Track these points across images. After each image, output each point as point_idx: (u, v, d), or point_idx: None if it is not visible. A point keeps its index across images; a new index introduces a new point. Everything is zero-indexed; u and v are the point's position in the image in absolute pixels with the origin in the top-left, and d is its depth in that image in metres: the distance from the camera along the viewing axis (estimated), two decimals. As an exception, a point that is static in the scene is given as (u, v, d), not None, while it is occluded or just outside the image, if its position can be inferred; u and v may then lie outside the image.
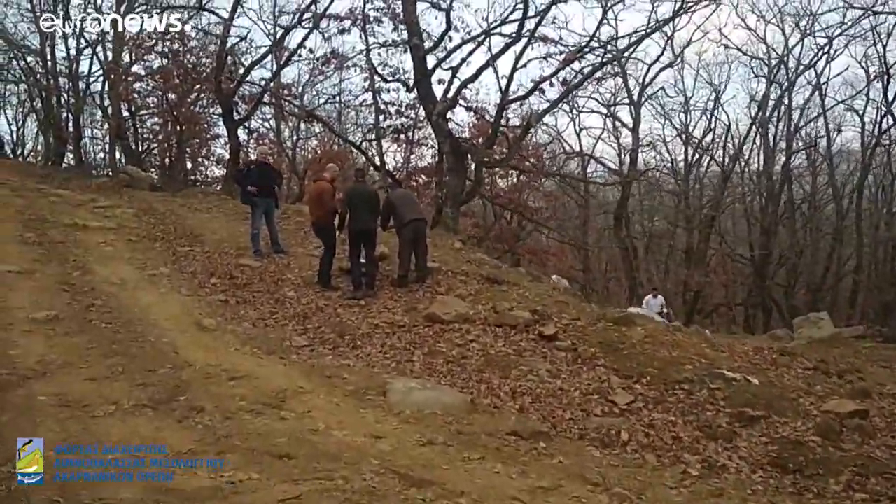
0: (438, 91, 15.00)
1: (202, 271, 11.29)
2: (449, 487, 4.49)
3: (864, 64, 27.87)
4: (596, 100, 27.18)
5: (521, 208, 19.47)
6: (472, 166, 15.09)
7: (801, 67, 26.52)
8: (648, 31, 16.60)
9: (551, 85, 15.58)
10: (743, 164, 29.09)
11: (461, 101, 15.70)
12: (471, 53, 16.13)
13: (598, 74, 17.49)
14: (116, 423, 5.15)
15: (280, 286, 10.67)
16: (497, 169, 18.35)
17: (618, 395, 6.77)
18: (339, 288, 10.44)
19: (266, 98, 19.01)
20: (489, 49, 16.42)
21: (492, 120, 16.64)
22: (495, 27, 16.44)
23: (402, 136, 19.14)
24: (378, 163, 19.22)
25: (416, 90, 14.98)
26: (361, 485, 4.36)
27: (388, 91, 19.35)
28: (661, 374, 7.23)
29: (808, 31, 26.26)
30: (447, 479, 4.65)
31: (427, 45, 15.14)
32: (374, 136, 19.64)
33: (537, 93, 15.38)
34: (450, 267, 11.24)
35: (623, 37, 17.22)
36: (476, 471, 4.89)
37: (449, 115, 15.58)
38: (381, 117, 18.61)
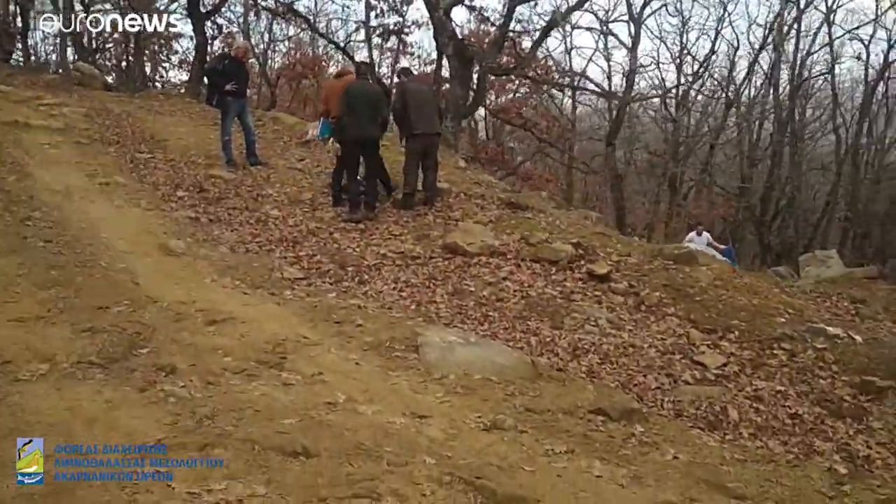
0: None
1: (166, 182, 9.51)
2: (548, 508, 3.03)
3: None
4: (593, 13, 24.92)
5: (530, 125, 17.43)
6: (476, 75, 13.22)
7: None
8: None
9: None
10: (750, 88, 27.33)
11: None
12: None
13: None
14: (47, 394, 3.53)
15: (260, 203, 8.97)
16: (503, 78, 16.31)
17: (705, 356, 5.35)
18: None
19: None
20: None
21: (494, 25, 14.71)
22: None
23: (395, 39, 17.01)
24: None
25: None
26: (423, 506, 2.87)
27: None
28: (749, 329, 5.82)
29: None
30: (539, 492, 3.18)
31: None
32: (362, 38, 17.43)
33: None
34: (460, 189, 9.60)
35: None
36: (570, 473, 3.42)
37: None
38: (372, 14, 16.44)
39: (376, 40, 17.02)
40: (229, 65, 10.17)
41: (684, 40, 29.20)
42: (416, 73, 9.75)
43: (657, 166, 26.90)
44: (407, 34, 16.67)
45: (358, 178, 8.69)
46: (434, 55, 17.20)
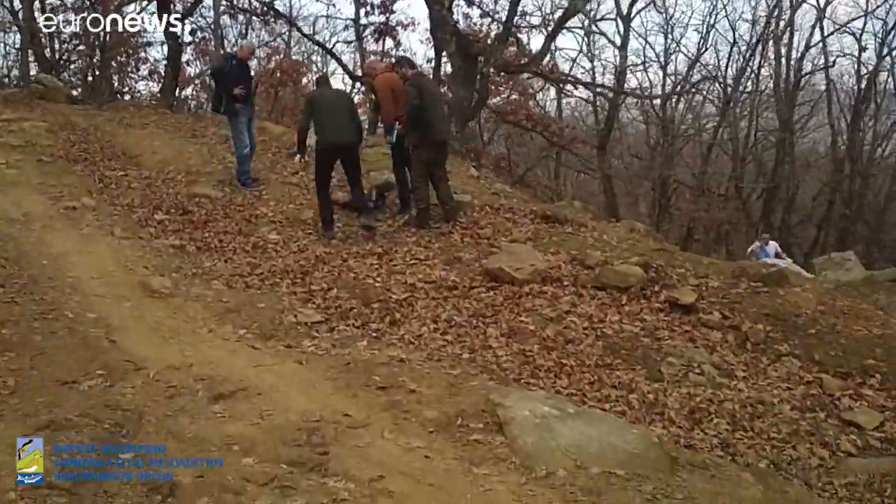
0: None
1: (142, 203, 8.20)
2: None
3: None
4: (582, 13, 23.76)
5: (542, 127, 16.01)
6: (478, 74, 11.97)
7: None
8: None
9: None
10: (747, 84, 26.30)
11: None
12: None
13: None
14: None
15: (255, 225, 7.71)
16: (501, 78, 14.96)
17: (856, 413, 4.19)
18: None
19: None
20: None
21: (494, 20, 13.49)
22: None
23: (388, 38, 15.66)
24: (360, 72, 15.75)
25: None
26: None
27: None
28: (891, 370, 4.65)
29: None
30: None
31: None
32: (352, 38, 16.02)
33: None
34: (482, 200, 8.40)
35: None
36: None
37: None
38: (363, 12, 15.08)
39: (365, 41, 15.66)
40: (236, 66, 8.90)
41: (669, 39, 28.27)
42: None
43: (652, 168, 25.87)
44: (398, 32, 15.37)
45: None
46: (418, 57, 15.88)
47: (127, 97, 21.67)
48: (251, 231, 7.47)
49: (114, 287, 5.46)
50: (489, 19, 13.91)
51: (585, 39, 27.43)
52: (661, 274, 5.84)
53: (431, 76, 13.93)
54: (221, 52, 13.45)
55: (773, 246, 11.89)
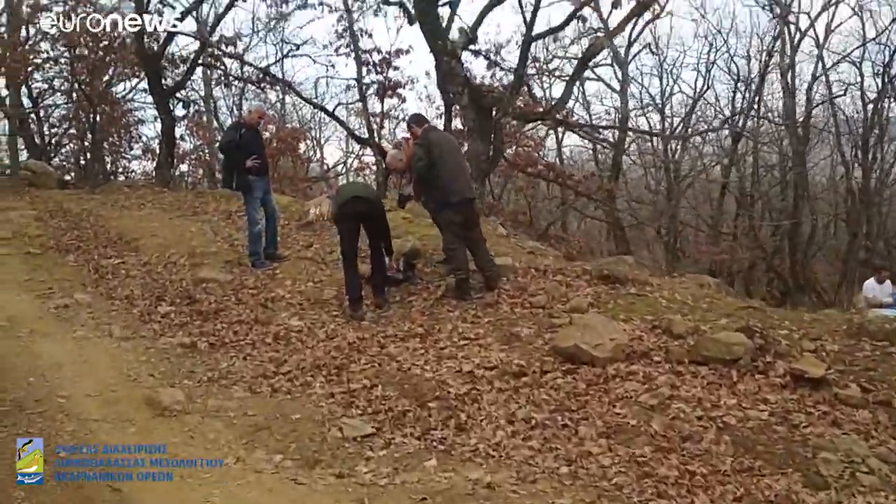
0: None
1: (143, 294, 7.29)
2: None
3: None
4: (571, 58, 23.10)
5: (563, 178, 15.12)
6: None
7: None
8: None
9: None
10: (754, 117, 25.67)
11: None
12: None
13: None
14: None
15: (273, 310, 6.75)
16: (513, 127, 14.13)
17: None
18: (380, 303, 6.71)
19: (202, 58, 14.56)
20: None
21: (502, 69, 12.77)
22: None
23: (394, 94, 14.90)
24: (364, 134, 14.96)
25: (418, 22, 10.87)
26: None
27: (370, 35, 15.04)
28: None
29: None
30: None
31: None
32: (356, 99, 15.19)
33: (576, 21, 11.40)
34: (523, 262, 7.48)
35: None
36: None
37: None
38: (364, 70, 14.36)
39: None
40: (246, 135, 7.94)
41: (665, 81, 27.80)
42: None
43: (662, 212, 25.01)
44: (403, 88, 14.64)
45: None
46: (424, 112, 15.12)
47: (121, 178, 20.92)
48: (269, 318, 6.51)
49: (115, 406, 4.49)
50: (497, 69, 13.19)
51: (580, 87, 26.99)
52: (769, 340, 4.87)
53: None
54: (215, 124, 12.71)
55: (888, 286, 10.25)
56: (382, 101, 16.27)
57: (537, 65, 14.98)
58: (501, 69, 13.12)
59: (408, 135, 7.41)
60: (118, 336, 6.03)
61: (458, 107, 11.34)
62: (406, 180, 7.67)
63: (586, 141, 26.29)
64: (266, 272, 7.85)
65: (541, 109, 12.91)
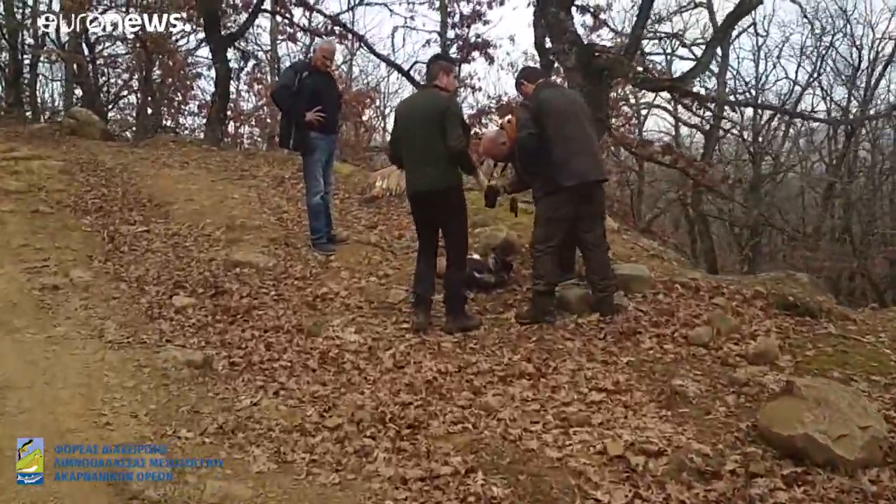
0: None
1: (160, 277, 5.66)
2: None
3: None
4: (676, 36, 20.65)
5: (684, 163, 12.71)
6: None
7: None
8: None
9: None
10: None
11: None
12: None
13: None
14: None
15: (322, 314, 5.03)
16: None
17: None
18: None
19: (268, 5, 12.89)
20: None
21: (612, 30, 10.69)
22: None
23: (483, 53, 12.90)
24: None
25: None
26: None
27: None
28: None
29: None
30: None
31: None
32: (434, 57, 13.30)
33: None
34: (659, 273, 5.55)
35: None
36: None
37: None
38: (450, 22, 12.41)
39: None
40: (309, 80, 6.12)
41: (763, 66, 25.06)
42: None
43: (752, 209, 22.42)
44: (492, 46, 12.63)
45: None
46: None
47: (171, 133, 19.50)
48: (317, 326, 4.77)
49: (50, 489, 2.78)
50: (605, 28, 11.09)
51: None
52: None
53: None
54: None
55: None
56: (460, 65, 14.38)
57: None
58: (612, 30, 11.03)
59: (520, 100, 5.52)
60: (110, 339, 4.38)
61: (561, 70, 9.34)
62: (501, 169, 5.73)
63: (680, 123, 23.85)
64: (320, 259, 6.12)
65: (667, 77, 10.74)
